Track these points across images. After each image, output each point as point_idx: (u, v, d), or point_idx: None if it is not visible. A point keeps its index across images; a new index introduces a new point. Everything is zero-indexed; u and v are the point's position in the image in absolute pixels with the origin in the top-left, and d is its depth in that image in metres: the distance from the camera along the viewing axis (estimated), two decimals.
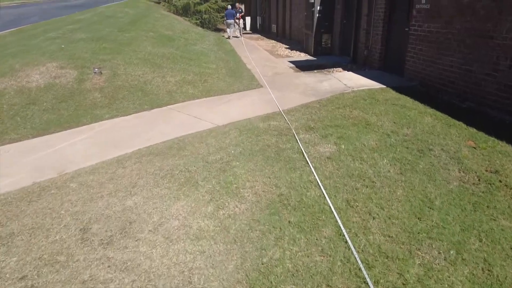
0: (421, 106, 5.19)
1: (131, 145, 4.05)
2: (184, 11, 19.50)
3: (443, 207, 2.75)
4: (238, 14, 16.45)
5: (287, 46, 13.47)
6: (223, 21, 22.27)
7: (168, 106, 5.25)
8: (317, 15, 10.35)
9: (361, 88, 6.38)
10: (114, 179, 3.35)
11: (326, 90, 6.42)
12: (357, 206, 2.82)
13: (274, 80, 7.33)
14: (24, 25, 10.84)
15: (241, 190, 3.08)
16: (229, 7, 17.07)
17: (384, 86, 6.44)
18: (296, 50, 12.06)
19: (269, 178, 3.25)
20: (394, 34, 7.55)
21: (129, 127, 4.64)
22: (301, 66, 8.99)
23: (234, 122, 4.62)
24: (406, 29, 6.97)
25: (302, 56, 10.91)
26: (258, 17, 24.30)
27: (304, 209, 2.78)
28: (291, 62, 9.73)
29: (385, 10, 7.57)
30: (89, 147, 4.10)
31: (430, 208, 2.75)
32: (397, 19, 7.38)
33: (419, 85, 6.46)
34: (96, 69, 5.57)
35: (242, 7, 17.44)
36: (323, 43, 10.71)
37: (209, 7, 19.38)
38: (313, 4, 10.32)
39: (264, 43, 15.21)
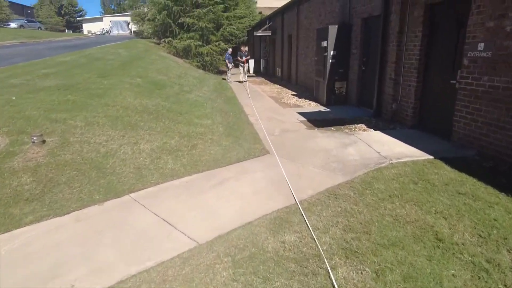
0: (503, 198, 3.51)
1: None
2: (185, 53, 18.65)
3: None
4: (243, 58, 15.32)
5: (294, 93, 12.13)
6: (225, 62, 21.60)
7: (131, 195, 3.56)
8: (330, 60, 9.03)
9: (401, 160, 4.74)
10: None
11: (355, 161, 4.78)
12: None
13: (283, 142, 5.75)
14: None
15: None
16: (230, 50, 16.26)
17: (431, 157, 4.81)
18: (305, 98, 10.67)
19: None
20: (433, 86, 6.07)
21: (52, 249, 2.78)
22: (315, 121, 7.47)
23: (225, 236, 2.88)
24: (452, 81, 5.48)
25: (313, 106, 9.46)
26: (262, 60, 23.55)
27: None
28: (301, 114, 8.24)
29: (420, 57, 6.16)
30: None
31: None
32: (438, 69, 5.93)
33: (477, 155, 4.83)
34: (35, 138, 3.91)
35: (247, 49, 16.51)
36: (337, 91, 9.31)
37: (211, 49, 18.54)
38: (325, 49, 9.05)
39: (269, 88, 13.95)
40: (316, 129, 6.72)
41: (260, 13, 32.36)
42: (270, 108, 9.18)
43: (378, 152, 5.12)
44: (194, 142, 5.05)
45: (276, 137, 6.06)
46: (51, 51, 13.92)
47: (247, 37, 26.46)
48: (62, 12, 69.36)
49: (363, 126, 6.91)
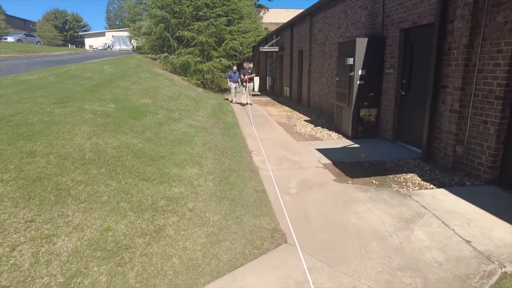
0: None
1: None
2: (183, 70, 16.89)
3: None
4: (246, 76, 13.41)
5: (308, 118, 10.15)
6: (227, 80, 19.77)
7: None
8: (358, 82, 7.07)
9: None
10: None
11: (440, 267, 2.71)
12: None
13: (306, 211, 3.70)
14: None
15: None
16: (234, 68, 14.37)
17: None
18: (322, 127, 8.67)
19: None
20: None
21: None
22: (344, 165, 5.43)
23: None
24: None
25: (335, 139, 7.45)
26: (268, 78, 21.78)
27: None
28: (322, 151, 6.23)
29: (508, 81, 4.16)
30: None
31: None
32: None
33: None
34: None
35: (251, 66, 14.65)
36: (365, 120, 7.31)
37: (212, 66, 16.77)
38: (351, 67, 7.11)
39: (276, 111, 12.00)
40: (350, 181, 4.67)
41: (265, 28, 30.95)
42: (280, 141, 7.17)
43: (468, 242, 3.05)
44: (161, 222, 3.03)
45: (293, 199, 4.02)
46: (29, 67, 12.14)
47: (252, 53, 24.81)
48: (67, 27, 69.17)
49: (415, 177, 4.85)
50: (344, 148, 6.64)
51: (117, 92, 7.76)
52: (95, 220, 2.84)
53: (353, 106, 7.20)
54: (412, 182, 4.65)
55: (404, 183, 4.62)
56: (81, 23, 72.50)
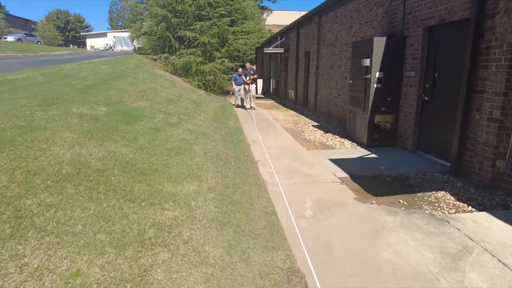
0: None
1: None
2: (184, 71, 16.27)
3: None
4: (248, 77, 12.75)
5: (316, 124, 9.50)
6: (232, 83, 19.12)
7: None
8: (375, 85, 6.43)
9: None
10: None
11: None
12: None
13: (328, 242, 3.05)
14: None
15: None
16: (240, 70, 13.60)
17: None
18: (333, 133, 8.02)
19: None
20: None
21: None
22: (364, 179, 4.78)
23: None
24: None
25: (348, 147, 6.79)
26: (271, 80, 21.15)
27: None
28: (336, 162, 5.57)
29: None
30: None
31: None
32: None
33: None
34: None
35: (254, 67, 14.02)
36: (381, 127, 6.65)
37: (215, 67, 16.16)
38: (367, 69, 6.47)
39: (282, 115, 11.36)
40: (374, 201, 4.01)
41: (269, 30, 30.36)
42: (288, 149, 6.52)
43: None
44: (148, 261, 2.37)
45: (311, 225, 3.36)
46: (22, 66, 11.58)
47: (255, 55, 24.20)
48: (69, 27, 68.87)
49: (447, 195, 4.19)
50: (360, 158, 5.98)
51: (111, 93, 7.14)
52: (62, 260, 2.19)
53: (369, 112, 6.55)
54: (446, 203, 3.99)
55: (436, 204, 3.96)
56: (83, 24, 72.25)
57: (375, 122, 6.63)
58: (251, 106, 12.59)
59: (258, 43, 22.66)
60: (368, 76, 6.45)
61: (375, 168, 5.31)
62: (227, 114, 10.76)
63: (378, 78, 6.39)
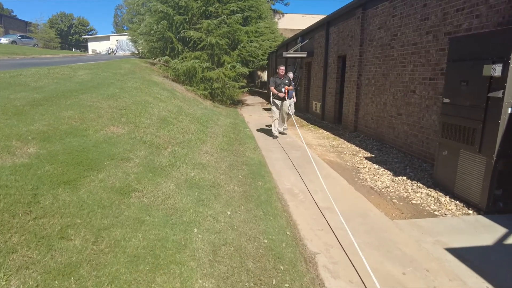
0: None
1: None
2: (187, 78, 13.72)
3: None
4: (284, 88, 8.19)
5: (368, 154, 6.77)
6: (242, 91, 16.40)
7: None
8: (509, 110, 3.71)
9: None
10: None
11: None
12: None
13: None
14: None
15: None
16: (281, 68, 8.40)
17: None
18: (406, 176, 5.30)
19: None
20: None
21: None
22: None
23: None
24: None
25: (452, 211, 4.06)
26: None
27: None
28: (467, 262, 2.87)
29: None
30: None
31: None
32: None
33: None
34: None
35: (290, 75, 9.16)
36: (510, 182, 3.92)
37: (223, 73, 13.54)
38: (493, 81, 3.78)
39: (313, 137, 8.67)
40: None
41: (281, 34, 27.87)
42: (358, 216, 3.81)
43: None
44: None
45: None
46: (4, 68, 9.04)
47: (267, 61, 21.50)
48: (72, 31, 67.20)
49: None
50: (499, 247, 3.23)
51: (66, 115, 4.50)
52: None
53: (494, 154, 3.82)
54: None
55: None
56: (88, 27, 70.64)
57: (501, 171, 3.90)
58: (283, 130, 9.08)
59: (271, 47, 20.05)
60: (497, 94, 3.74)
61: None
62: (241, 135, 8.09)
63: None
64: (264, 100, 21.61)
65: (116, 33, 63.35)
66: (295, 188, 4.69)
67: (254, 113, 14.33)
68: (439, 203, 4.26)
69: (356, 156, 6.67)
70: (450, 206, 4.18)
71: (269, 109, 15.74)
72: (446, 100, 4.57)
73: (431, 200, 4.37)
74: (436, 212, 4.01)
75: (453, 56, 4.45)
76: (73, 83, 7.04)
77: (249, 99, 21.96)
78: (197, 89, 13.44)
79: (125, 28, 68.80)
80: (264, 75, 37.60)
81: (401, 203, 4.29)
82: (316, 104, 12.85)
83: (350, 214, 3.85)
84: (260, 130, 9.67)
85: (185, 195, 3.48)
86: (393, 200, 4.39)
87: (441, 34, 5.59)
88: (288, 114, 8.78)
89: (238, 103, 16.99)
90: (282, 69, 8.34)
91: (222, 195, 3.82)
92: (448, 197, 4.42)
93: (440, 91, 5.61)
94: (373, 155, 6.66)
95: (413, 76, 6.42)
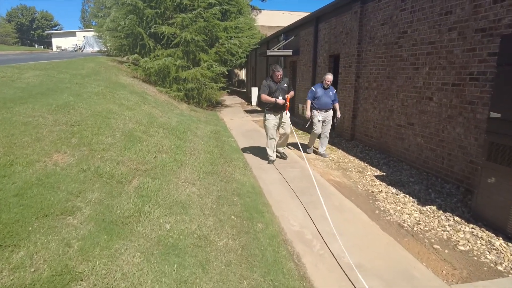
0: None
1: None
2: (160, 78, 12.30)
3: None
4: (281, 95, 6.11)
5: (377, 172, 5.77)
6: (222, 93, 15.05)
7: None
8: None
9: None
10: None
11: None
12: None
13: None
14: None
15: None
16: (278, 71, 5.99)
17: None
18: (432, 204, 4.33)
19: None
20: None
21: None
22: None
23: None
24: None
25: (508, 266, 3.08)
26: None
27: None
28: None
29: None
30: None
31: None
32: None
33: None
34: None
35: (287, 81, 6.43)
36: None
37: (200, 74, 12.22)
38: None
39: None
40: None
41: (258, 31, 26.73)
42: (399, 278, 2.76)
43: None
44: None
45: None
46: None
47: (245, 59, 20.25)
48: (34, 25, 62.78)
49: None
50: None
51: None
52: None
53: None
54: None
55: None
56: (52, 22, 66.37)
57: None
58: (282, 152, 6.81)
59: (250, 45, 18.85)
60: None
61: None
62: (226, 149, 6.90)
63: None
64: (243, 100, 20.43)
65: (84, 28, 59.79)
66: (306, 230, 3.58)
67: (235, 116, 13.13)
68: (495, 249, 3.29)
69: (364, 174, 5.66)
70: (506, 251, 3.22)
71: (251, 112, 14.60)
72: (495, 115, 3.60)
73: (481, 244, 3.40)
74: (498, 267, 3.03)
75: (506, 59, 3.48)
76: (13, 89, 5.57)
77: (228, 99, 20.70)
78: (171, 90, 12.06)
79: (93, 23, 65.34)
80: (242, 74, 36.36)
81: (446, 251, 3.28)
82: (303, 106, 11.82)
83: (389, 275, 2.80)
84: (244, 136, 8.50)
85: (158, 273, 2.27)
86: (434, 246, 3.37)
87: (470, 31, 4.65)
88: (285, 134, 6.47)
89: (217, 104, 15.73)
90: (279, 72, 5.97)
91: (212, 261, 2.64)
92: (501, 238, 3.46)
93: (468, 100, 4.68)
94: (384, 173, 5.67)
95: (429, 81, 5.47)
